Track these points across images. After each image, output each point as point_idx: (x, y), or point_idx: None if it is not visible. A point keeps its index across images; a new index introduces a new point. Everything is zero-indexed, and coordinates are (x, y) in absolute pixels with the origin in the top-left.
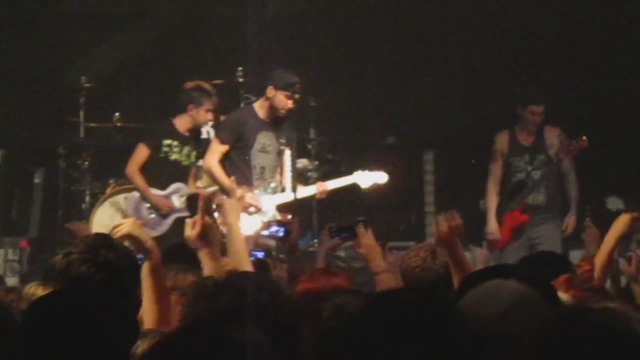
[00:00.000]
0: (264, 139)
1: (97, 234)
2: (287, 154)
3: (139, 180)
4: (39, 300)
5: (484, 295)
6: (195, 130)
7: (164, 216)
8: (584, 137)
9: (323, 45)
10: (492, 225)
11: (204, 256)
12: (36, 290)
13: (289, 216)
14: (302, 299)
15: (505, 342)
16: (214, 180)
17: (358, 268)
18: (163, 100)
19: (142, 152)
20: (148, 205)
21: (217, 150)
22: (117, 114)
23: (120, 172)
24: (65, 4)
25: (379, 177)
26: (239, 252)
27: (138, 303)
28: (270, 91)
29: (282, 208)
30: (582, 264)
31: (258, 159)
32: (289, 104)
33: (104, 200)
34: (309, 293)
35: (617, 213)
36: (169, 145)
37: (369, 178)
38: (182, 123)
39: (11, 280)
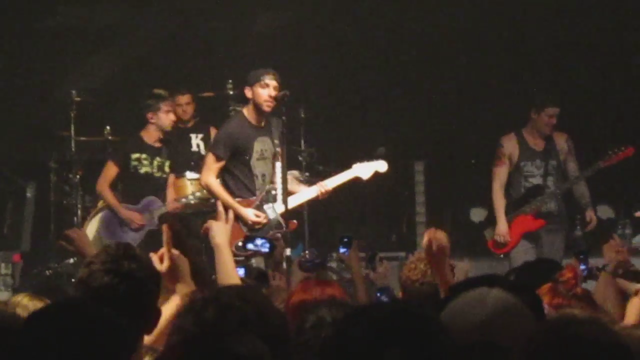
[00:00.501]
0: (261, 146)
1: (119, 244)
2: (278, 165)
3: (108, 196)
4: (36, 312)
5: (468, 303)
6: (165, 140)
7: (137, 230)
8: (630, 147)
9: (312, 57)
10: (503, 227)
11: (177, 291)
12: (22, 300)
13: (295, 222)
14: (297, 309)
15: (487, 348)
16: (215, 197)
17: (350, 279)
18: None
19: (109, 169)
20: (120, 220)
21: (213, 167)
22: (108, 127)
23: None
24: (56, 18)
25: (379, 166)
26: (228, 273)
27: (158, 314)
28: (247, 92)
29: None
30: (565, 272)
31: (258, 167)
32: (265, 94)
33: (95, 214)
34: (304, 303)
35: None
36: (138, 159)
37: (368, 168)
38: (149, 135)
39: (4, 295)
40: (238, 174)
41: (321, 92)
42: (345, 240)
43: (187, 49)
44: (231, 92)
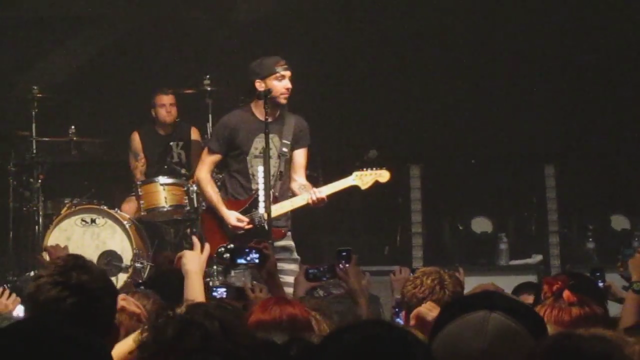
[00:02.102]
0: (263, 143)
1: (70, 255)
2: (260, 170)
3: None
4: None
5: (466, 329)
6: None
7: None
8: None
9: (298, 52)
10: None
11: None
12: None
13: (282, 230)
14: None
15: None
16: (202, 194)
17: (338, 295)
18: (123, 112)
19: None
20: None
21: (207, 160)
22: (72, 127)
23: (76, 191)
24: (15, 8)
25: (380, 176)
26: (196, 299)
27: (116, 331)
28: (259, 85)
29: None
30: (546, 288)
31: (256, 165)
32: (282, 86)
33: (59, 222)
34: (261, 324)
35: (622, 232)
36: None
37: (369, 177)
38: None
39: None
40: (234, 172)
41: (308, 91)
42: (344, 253)
43: (161, 41)
44: (209, 89)
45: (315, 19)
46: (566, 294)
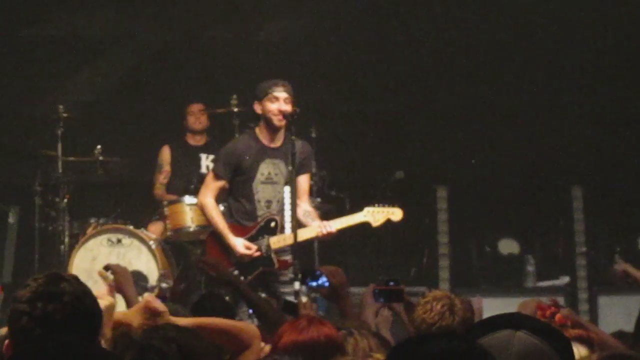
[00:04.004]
0: (269, 168)
1: (45, 276)
2: (286, 190)
3: None
4: (19, 354)
5: (493, 348)
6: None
7: None
8: None
9: (325, 71)
10: None
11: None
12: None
13: (288, 260)
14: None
15: None
16: (207, 219)
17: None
18: (150, 131)
19: None
20: None
21: (211, 186)
22: (98, 146)
23: (102, 211)
24: (41, 27)
25: (393, 214)
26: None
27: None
28: (257, 107)
29: (280, 252)
30: (538, 312)
31: (262, 191)
32: (275, 108)
33: (85, 242)
34: (296, 344)
35: None
36: None
37: (381, 215)
38: None
39: None
40: (239, 197)
41: (334, 110)
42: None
43: (186, 60)
44: (235, 109)
45: (343, 40)
46: (558, 317)
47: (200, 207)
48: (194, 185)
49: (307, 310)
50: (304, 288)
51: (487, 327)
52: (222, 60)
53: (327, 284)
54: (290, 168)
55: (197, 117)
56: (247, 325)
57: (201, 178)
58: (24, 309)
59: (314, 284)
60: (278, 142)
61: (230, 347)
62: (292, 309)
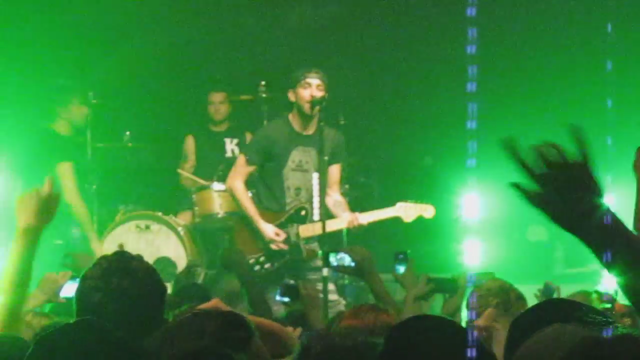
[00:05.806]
0: (300, 156)
1: (115, 254)
2: (315, 176)
3: None
4: (43, 337)
5: (545, 346)
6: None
7: None
8: None
9: (353, 57)
10: None
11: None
12: (32, 319)
13: (314, 249)
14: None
15: None
16: (238, 203)
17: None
18: (179, 117)
19: None
20: None
21: (242, 170)
22: (127, 133)
23: (131, 197)
24: (71, 13)
25: (426, 211)
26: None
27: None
28: (291, 95)
29: (308, 240)
30: None
31: (292, 178)
32: (307, 94)
33: (113, 228)
34: (352, 329)
35: None
36: None
37: (413, 211)
38: None
39: None
40: (270, 184)
41: (363, 97)
42: (401, 257)
43: (214, 47)
44: (264, 95)
45: (370, 25)
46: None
47: (230, 190)
48: (221, 171)
49: (309, 291)
50: (331, 273)
51: (534, 324)
52: (249, 47)
53: (352, 263)
54: (324, 157)
55: (216, 108)
56: (292, 332)
57: (227, 163)
58: (98, 285)
59: (336, 264)
60: (310, 130)
61: (273, 350)
62: (292, 291)
